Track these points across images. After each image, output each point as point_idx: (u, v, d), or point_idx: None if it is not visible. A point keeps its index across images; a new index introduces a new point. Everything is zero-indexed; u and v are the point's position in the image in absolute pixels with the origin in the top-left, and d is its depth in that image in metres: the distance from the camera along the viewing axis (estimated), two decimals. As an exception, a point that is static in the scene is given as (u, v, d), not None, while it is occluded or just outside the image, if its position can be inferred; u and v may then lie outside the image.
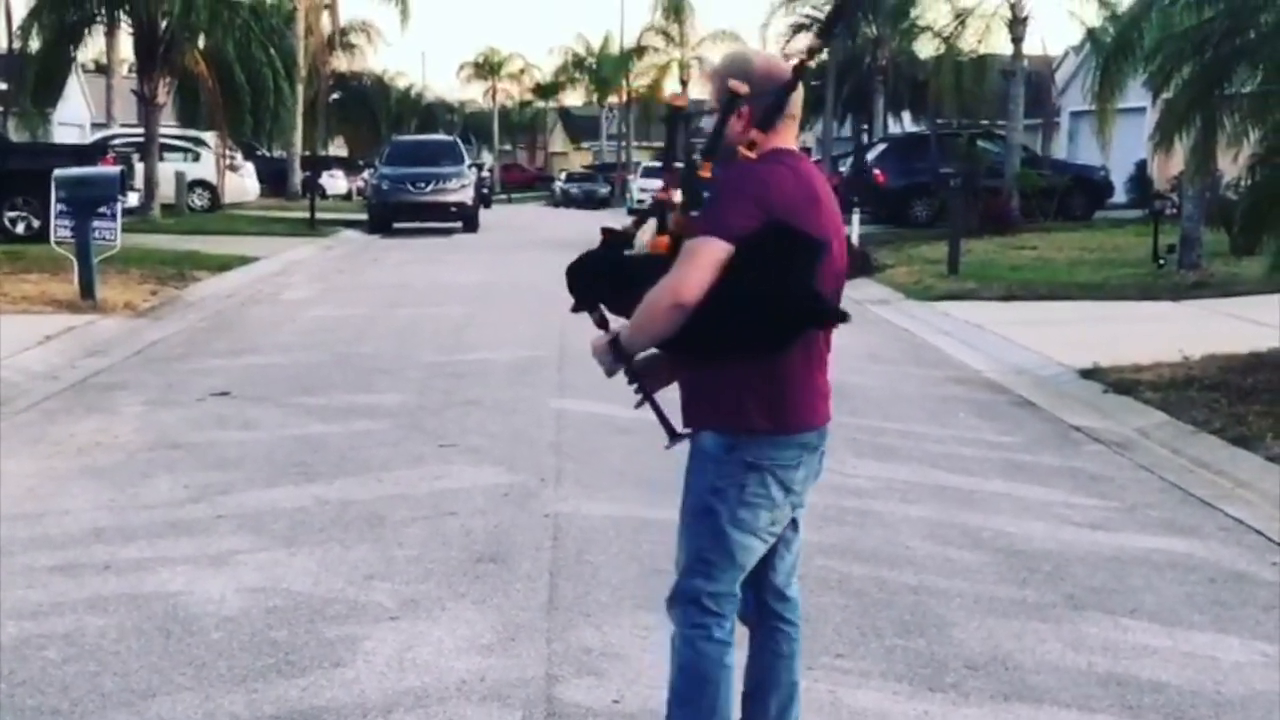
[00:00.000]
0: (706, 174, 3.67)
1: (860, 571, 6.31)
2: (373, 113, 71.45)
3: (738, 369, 3.70)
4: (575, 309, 3.92)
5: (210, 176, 37.71)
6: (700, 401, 3.81)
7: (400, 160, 34.87)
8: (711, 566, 3.81)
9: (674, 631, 3.90)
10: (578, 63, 78.65)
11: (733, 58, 3.93)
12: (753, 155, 3.66)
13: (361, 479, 8.01)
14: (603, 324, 3.86)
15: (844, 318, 3.64)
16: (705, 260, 3.54)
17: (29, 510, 7.25)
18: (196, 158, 37.57)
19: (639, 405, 3.89)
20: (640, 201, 49.87)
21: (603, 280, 3.85)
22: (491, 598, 5.92)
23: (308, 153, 50.25)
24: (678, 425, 3.90)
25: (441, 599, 5.90)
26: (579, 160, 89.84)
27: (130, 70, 38.76)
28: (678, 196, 3.72)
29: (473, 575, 6.22)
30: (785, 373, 3.72)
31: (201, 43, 31.90)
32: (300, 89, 42.88)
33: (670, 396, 3.92)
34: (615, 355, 3.78)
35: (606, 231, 3.87)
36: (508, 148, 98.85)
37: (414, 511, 7.29)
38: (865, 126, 44.95)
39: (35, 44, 30.65)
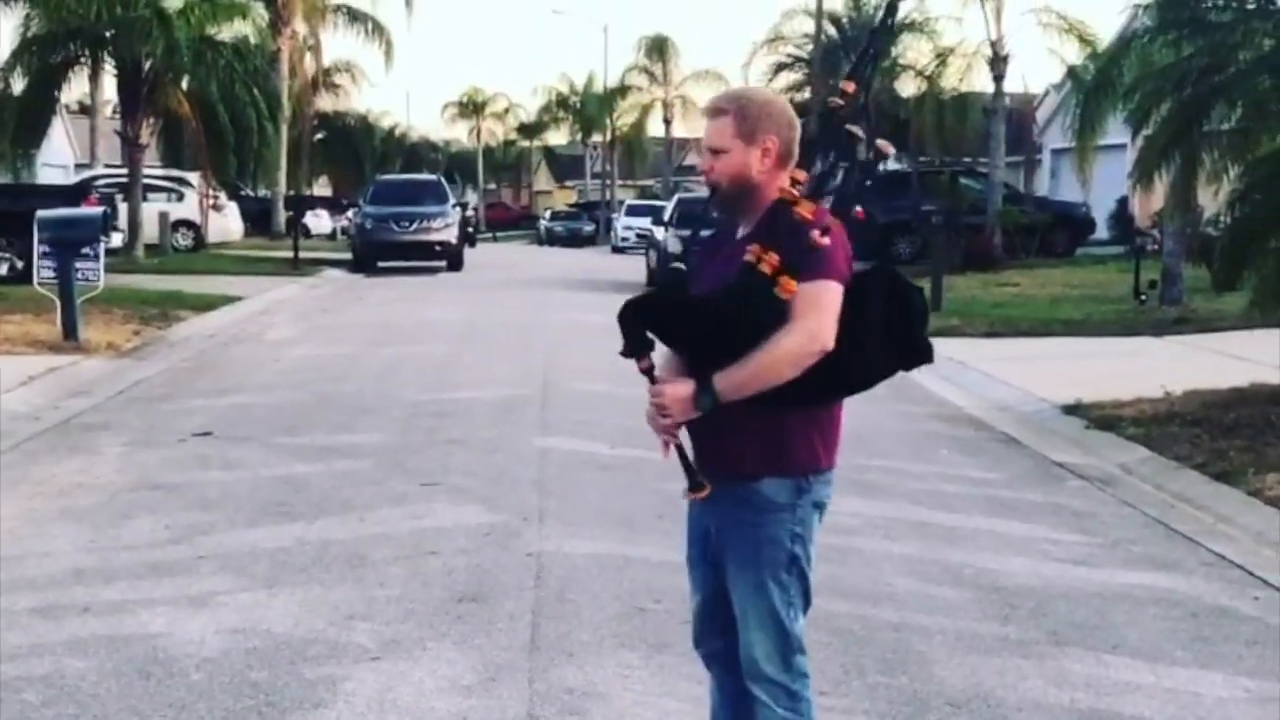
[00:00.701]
0: (809, 214, 3.55)
1: (843, 609, 6.30)
2: (357, 152, 71.50)
3: (807, 408, 3.70)
4: (626, 353, 3.65)
5: (194, 216, 37.71)
6: (760, 446, 3.68)
7: (384, 199, 34.88)
8: (795, 623, 3.77)
9: (762, 704, 3.77)
10: (561, 102, 78.85)
11: (768, 98, 3.85)
12: (798, 197, 3.60)
13: (343, 519, 7.99)
14: (649, 371, 3.64)
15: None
16: (836, 306, 3.56)
17: (9, 552, 7.21)
18: (180, 198, 37.57)
19: (671, 454, 3.70)
20: (624, 240, 49.93)
21: (668, 325, 3.62)
22: (473, 638, 5.90)
23: (292, 192, 50.28)
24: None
25: (423, 639, 5.88)
26: (563, 199, 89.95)
27: (114, 111, 38.78)
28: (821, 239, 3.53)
29: (454, 615, 6.20)
30: (839, 408, 3.80)
31: (185, 83, 31.89)
32: (284, 129, 42.92)
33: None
34: (698, 403, 3.58)
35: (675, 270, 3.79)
36: (492, 186, 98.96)
37: (395, 551, 7.27)
38: (844, 164, 45.01)
39: (18, 85, 30.63)
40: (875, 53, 3.95)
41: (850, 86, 3.72)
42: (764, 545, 3.72)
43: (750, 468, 3.69)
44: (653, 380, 3.63)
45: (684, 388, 3.58)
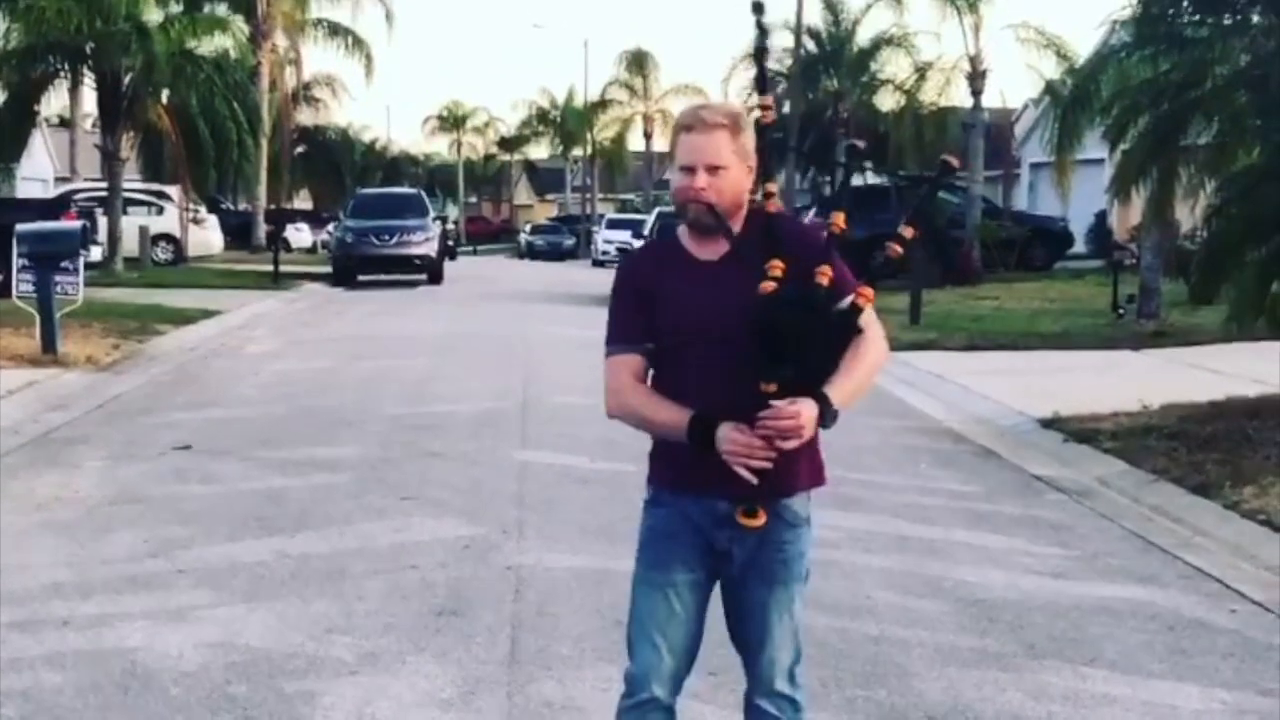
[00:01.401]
0: (841, 226, 3.57)
1: (822, 622, 6.31)
2: (337, 166, 71.51)
3: None
4: (769, 378, 3.44)
5: (174, 230, 37.66)
6: (806, 462, 3.66)
7: (364, 213, 34.87)
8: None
9: (771, 717, 3.75)
10: (542, 116, 78.97)
11: (732, 108, 3.78)
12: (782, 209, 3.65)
13: (322, 532, 7.98)
14: (777, 394, 3.44)
15: None
16: None
17: (-13, 566, 7.19)
18: (160, 211, 37.52)
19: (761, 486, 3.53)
20: (605, 254, 49.97)
21: (806, 338, 3.48)
22: (452, 651, 5.90)
23: (272, 206, 50.23)
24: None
25: (402, 653, 5.88)
26: (544, 212, 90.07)
27: (94, 124, 38.72)
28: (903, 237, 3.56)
29: (433, 629, 6.20)
30: None
31: (165, 97, 31.90)
32: (265, 143, 42.85)
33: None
34: (825, 421, 3.49)
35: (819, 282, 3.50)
36: (473, 200, 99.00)
37: (374, 565, 7.27)
38: (827, 178, 45.24)
39: (-2, 99, 30.62)
40: (762, 51, 3.91)
41: (768, 100, 3.75)
42: (794, 561, 3.72)
43: (801, 484, 3.69)
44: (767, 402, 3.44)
45: (811, 407, 3.46)
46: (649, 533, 3.77)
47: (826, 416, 3.49)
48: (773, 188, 3.66)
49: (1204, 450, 9.96)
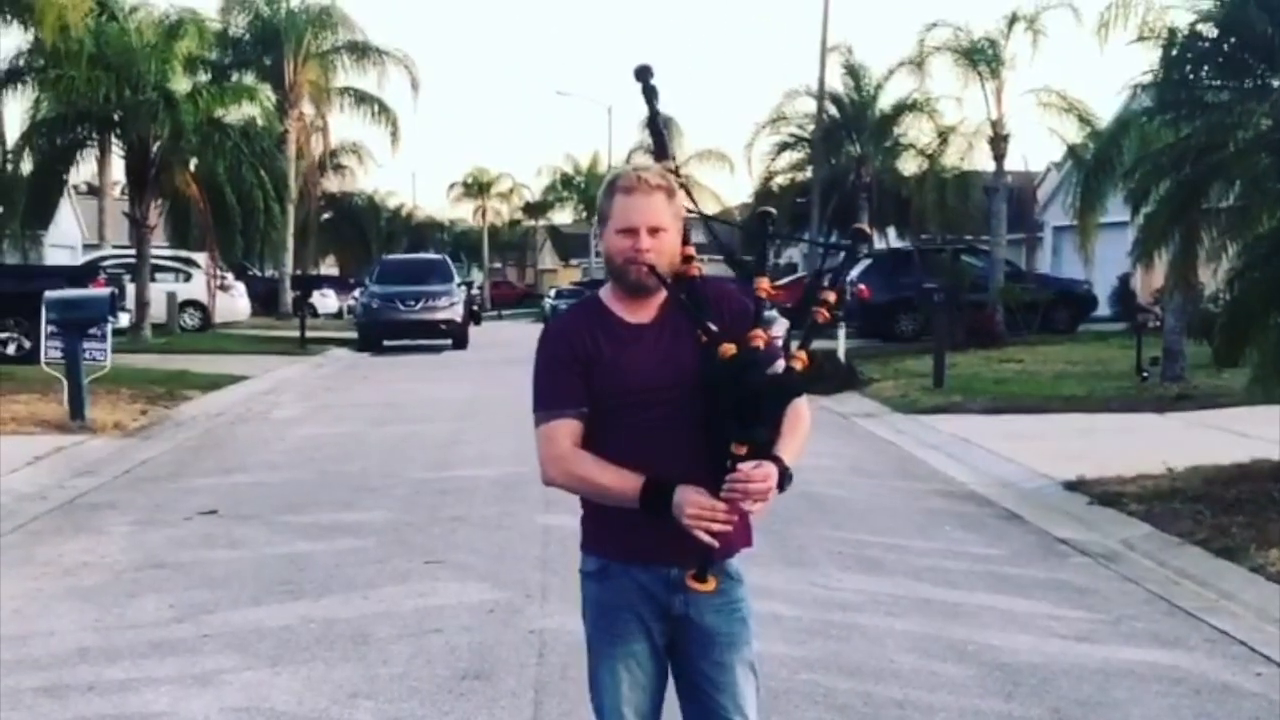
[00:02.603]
0: (768, 290, 3.60)
1: (845, 685, 6.31)
2: (363, 232, 71.93)
3: None
4: (743, 440, 3.45)
5: (201, 296, 37.89)
6: (741, 523, 3.62)
7: (390, 279, 35.07)
8: None
9: None
10: (566, 181, 79.40)
11: (666, 172, 3.73)
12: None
13: (347, 597, 8.01)
14: (746, 456, 3.47)
15: None
16: None
17: (14, 631, 7.24)
18: (188, 278, 37.77)
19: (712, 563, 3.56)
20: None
21: (776, 406, 3.54)
22: (476, 716, 5.91)
23: (299, 272, 50.59)
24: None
25: (425, 717, 5.90)
26: (568, 277, 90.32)
27: (122, 192, 39.13)
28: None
29: (457, 693, 6.21)
30: None
31: (192, 165, 32.19)
32: (291, 209, 43.25)
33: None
34: (782, 484, 3.50)
35: (747, 344, 3.50)
36: (497, 265, 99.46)
37: (399, 629, 7.29)
38: (829, 246, 45.20)
39: (27, 166, 30.93)
40: (654, 115, 3.86)
41: (671, 165, 3.76)
42: (749, 617, 3.74)
43: (739, 543, 3.69)
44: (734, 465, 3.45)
45: (771, 469, 3.47)
46: (600, 606, 3.73)
47: (785, 479, 3.51)
48: (690, 250, 3.66)
49: (1229, 513, 9.92)
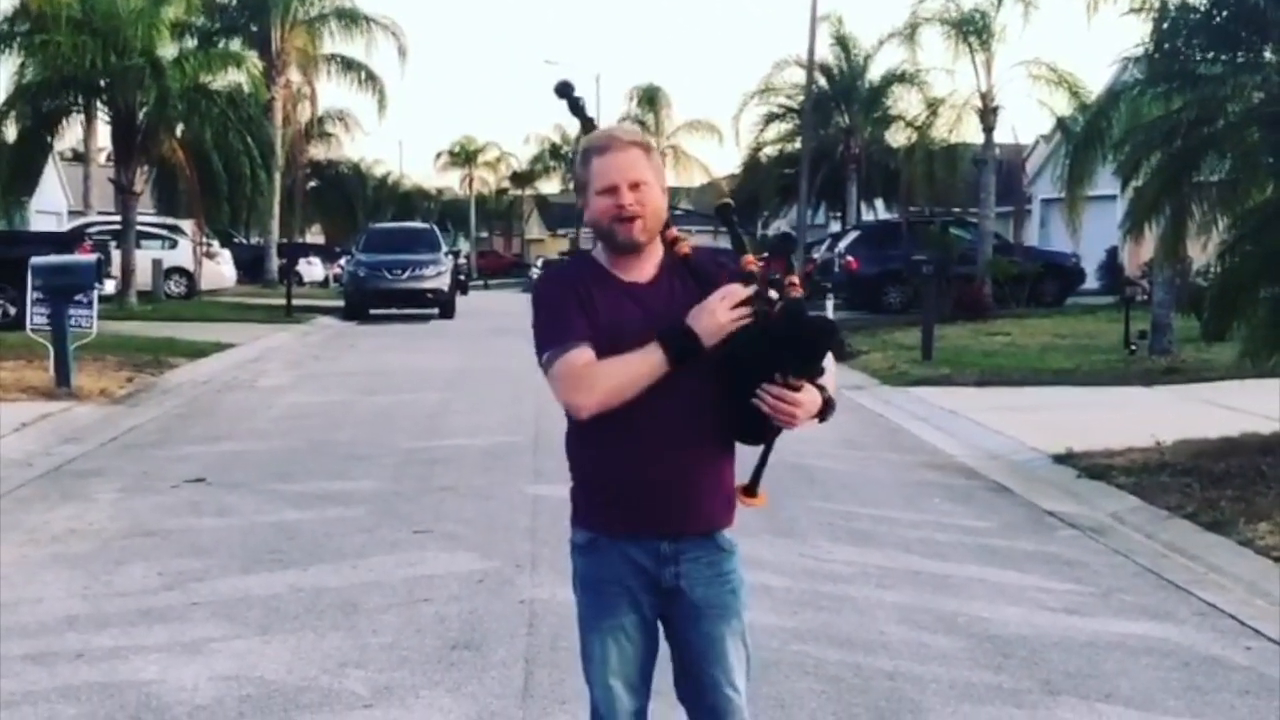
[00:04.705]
0: (753, 263, 3.58)
1: (835, 657, 6.31)
2: (350, 200, 71.65)
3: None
4: (802, 375, 3.51)
5: (187, 264, 37.78)
6: (724, 495, 3.67)
7: (377, 247, 34.99)
8: None
9: None
10: (554, 151, 79.19)
11: (639, 132, 3.77)
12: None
13: (336, 566, 7.99)
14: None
15: None
16: None
17: (2, 599, 7.20)
18: (173, 245, 37.65)
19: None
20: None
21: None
22: (466, 685, 5.90)
23: (285, 240, 50.40)
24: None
25: (416, 687, 5.88)
26: (555, 247, 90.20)
27: (108, 158, 38.91)
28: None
29: (447, 663, 6.20)
30: None
31: (179, 131, 32.04)
32: (278, 177, 43.06)
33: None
34: (824, 415, 3.58)
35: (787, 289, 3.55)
36: (484, 235, 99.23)
37: (388, 599, 7.27)
38: (838, 214, 45.30)
39: (12, 132, 30.76)
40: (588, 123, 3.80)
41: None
42: (740, 589, 3.71)
43: (711, 522, 3.67)
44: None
45: (816, 398, 3.52)
46: (588, 580, 3.72)
47: (829, 407, 3.56)
48: (675, 231, 3.64)
49: (1218, 486, 9.94)
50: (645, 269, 3.62)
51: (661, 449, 3.54)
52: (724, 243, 3.84)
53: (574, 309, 3.57)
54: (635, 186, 3.53)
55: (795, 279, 3.57)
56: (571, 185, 78.28)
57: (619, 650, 3.69)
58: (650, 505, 3.57)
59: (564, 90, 3.77)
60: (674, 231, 3.63)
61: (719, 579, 3.67)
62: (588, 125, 3.76)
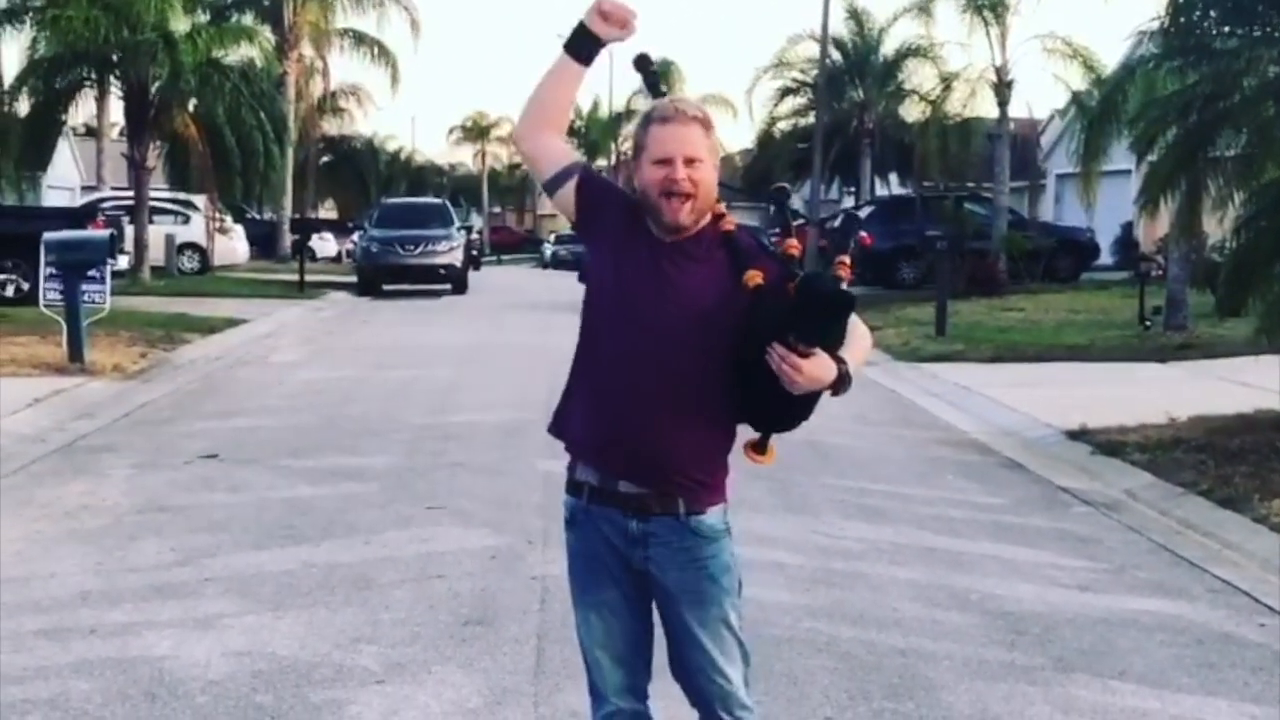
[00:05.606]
0: (796, 247, 3.56)
1: (848, 634, 6.30)
2: (362, 175, 71.62)
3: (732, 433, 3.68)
4: (814, 344, 3.43)
5: (200, 239, 37.80)
6: (714, 476, 3.64)
7: (389, 223, 34.95)
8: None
9: None
10: (569, 128, 78.96)
11: (703, 108, 3.71)
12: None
13: (349, 542, 7.99)
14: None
15: None
16: None
17: (15, 574, 7.22)
18: (186, 220, 37.68)
19: None
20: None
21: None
22: (478, 661, 5.90)
23: (297, 215, 50.37)
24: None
25: (428, 662, 5.89)
26: (567, 223, 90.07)
27: (120, 133, 38.92)
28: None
29: (460, 638, 6.20)
30: None
31: (192, 106, 32.00)
32: (290, 152, 42.98)
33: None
34: (839, 387, 3.48)
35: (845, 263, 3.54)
36: (497, 210, 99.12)
37: (401, 574, 7.27)
38: (852, 189, 45.17)
39: (24, 107, 30.72)
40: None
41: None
42: (721, 575, 3.63)
43: (695, 504, 3.61)
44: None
45: (827, 368, 3.42)
46: (574, 554, 3.75)
47: (844, 381, 3.46)
48: (721, 208, 3.63)
49: (1232, 463, 9.91)
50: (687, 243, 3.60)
51: (636, 408, 3.53)
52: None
53: (600, 194, 3.74)
54: (690, 162, 3.51)
55: (845, 259, 3.54)
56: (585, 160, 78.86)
57: (603, 624, 3.70)
58: (613, 456, 3.59)
59: (642, 64, 3.80)
60: (720, 206, 3.63)
61: (693, 564, 3.61)
62: (660, 98, 3.75)
